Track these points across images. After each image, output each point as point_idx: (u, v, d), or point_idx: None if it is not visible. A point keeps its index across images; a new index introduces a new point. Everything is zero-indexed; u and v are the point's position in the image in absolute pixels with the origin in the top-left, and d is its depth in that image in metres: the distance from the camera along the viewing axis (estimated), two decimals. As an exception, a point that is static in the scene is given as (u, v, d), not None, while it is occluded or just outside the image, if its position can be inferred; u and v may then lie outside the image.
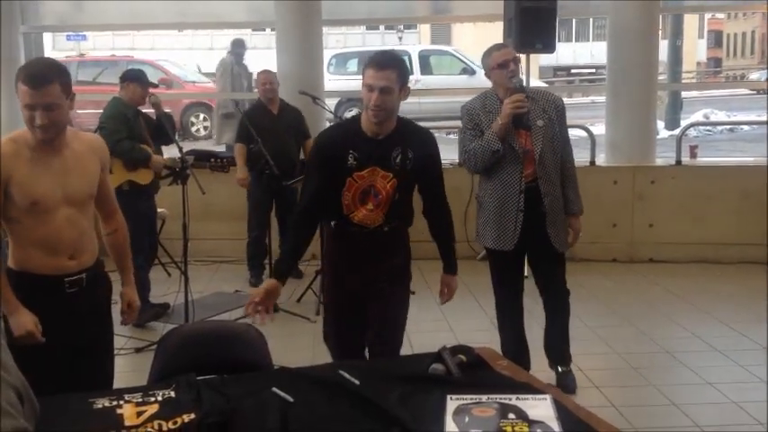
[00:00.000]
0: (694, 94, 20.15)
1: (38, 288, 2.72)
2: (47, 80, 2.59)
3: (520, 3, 6.48)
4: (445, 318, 5.52)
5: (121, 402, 2.12)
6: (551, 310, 4.24)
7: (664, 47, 13.61)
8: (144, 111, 5.63)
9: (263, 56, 17.74)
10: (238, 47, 10.25)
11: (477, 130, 3.95)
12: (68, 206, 2.74)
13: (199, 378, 2.26)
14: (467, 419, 1.96)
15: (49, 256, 2.73)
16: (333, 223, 3.30)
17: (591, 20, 28.64)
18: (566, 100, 16.71)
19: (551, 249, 4.04)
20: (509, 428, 1.90)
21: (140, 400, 2.12)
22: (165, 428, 1.95)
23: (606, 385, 4.28)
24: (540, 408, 2.02)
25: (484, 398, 2.06)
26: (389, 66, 3.08)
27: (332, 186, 3.22)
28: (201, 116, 14.45)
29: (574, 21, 30.54)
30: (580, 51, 32.05)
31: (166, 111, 5.76)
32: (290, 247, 3.26)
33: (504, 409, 2.00)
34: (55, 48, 20.21)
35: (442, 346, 2.36)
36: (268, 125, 6.13)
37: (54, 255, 2.73)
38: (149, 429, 1.95)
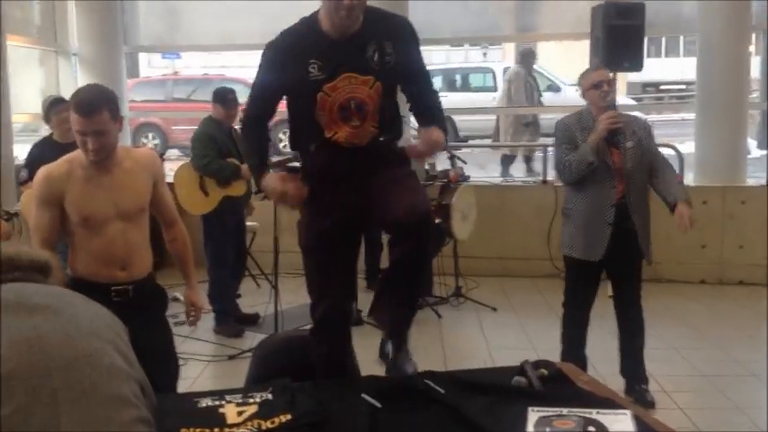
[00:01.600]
0: (790, 111, 19.49)
1: (87, 293, 2.90)
2: (96, 108, 2.82)
3: (607, 21, 6.49)
4: (527, 335, 5.56)
5: (223, 402, 2.28)
6: (627, 329, 4.33)
7: (756, 64, 13.27)
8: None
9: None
10: (529, 56, 10.41)
11: (573, 144, 4.14)
12: (120, 220, 2.96)
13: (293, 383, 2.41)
14: (547, 430, 2.04)
15: (101, 266, 2.95)
16: (312, 147, 2.72)
17: (681, 36, 28.04)
18: (655, 117, 16.33)
19: (633, 266, 4.22)
20: (589, 440, 1.98)
21: (240, 400, 2.28)
22: (263, 427, 2.10)
23: (690, 407, 4.25)
24: (621, 423, 2.08)
25: (565, 411, 2.14)
26: None
27: (299, 106, 2.68)
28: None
29: (663, 37, 29.93)
30: (669, 67, 31.41)
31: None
32: (252, 147, 2.86)
33: (585, 423, 2.07)
34: (150, 65, 21.07)
35: (525, 359, 2.45)
36: None
37: (106, 265, 2.95)
38: (250, 427, 2.10)
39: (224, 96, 5.68)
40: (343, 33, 2.61)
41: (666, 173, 4.20)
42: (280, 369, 2.57)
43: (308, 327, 2.88)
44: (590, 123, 4.13)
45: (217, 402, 2.28)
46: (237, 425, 2.12)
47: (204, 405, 2.27)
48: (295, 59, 2.62)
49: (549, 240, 7.03)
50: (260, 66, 2.74)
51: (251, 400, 2.28)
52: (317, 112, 2.63)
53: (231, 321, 5.73)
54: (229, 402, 2.27)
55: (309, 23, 2.68)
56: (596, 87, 4.12)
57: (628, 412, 2.14)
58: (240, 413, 2.19)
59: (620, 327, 4.34)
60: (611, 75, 4.26)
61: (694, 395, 4.52)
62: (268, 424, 2.12)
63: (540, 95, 10.36)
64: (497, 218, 7.11)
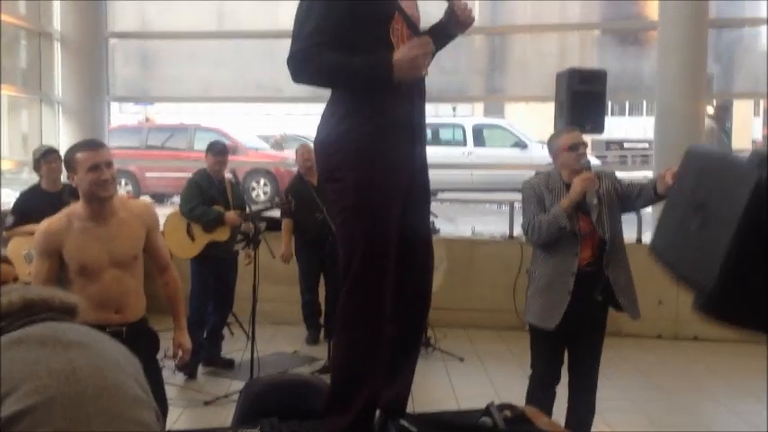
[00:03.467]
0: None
1: None
2: (102, 143, 3.26)
3: (571, 87, 6.87)
4: (493, 385, 5.79)
5: (216, 439, 2.49)
6: (576, 412, 4.06)
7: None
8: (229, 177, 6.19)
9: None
10: (724, 113, 10.40)
11: (542, 205, 3.97)
12: (114, 268, 3.21)
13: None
14: (511, 465, 2.28)
15: (97, 310, 3.12)
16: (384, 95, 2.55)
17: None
18: (619, 174, 16.46)
19: (592, 342, 4.02)
20: (548, 474, 2.22)
21: (232, 437, 2.49)
22: (255, 461, 2.31)
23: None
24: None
25: (526, 448, 2.38)
26: None
27: (371, 24, 2.57)
28: (262, 181, 14.96)
29: (627, 97, 30.74)
30: (632, 125, 32.41)
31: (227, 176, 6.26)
32: (344, 58, 2.53)
33: (544, 458, 2.32)
34: (121, 111, 21.24)
35: (491, 401, 2.69)
36: (308, 196, 6.40)
37: (101, 309, 3.16)
38: (243, 461, 2.31)
39: (213, 145, 6.15)
40: None
41: (637, 184, 4.04)
42: (267, 411, 2.76)
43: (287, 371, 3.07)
44: (557, 185, 3.98)
45: (210, 438, 2.49)
46: (231, 458, 2.33)
47: (199, 441, 2.48)
48: None
49: (515, 293, 7.30)
50: None
51: (242, 437, 2.49)
52: (392, 27, 2.57)
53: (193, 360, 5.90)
54: (222, 439, 2.48)
55: None
56: (572, 149, 3.97)
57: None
58: (232, 448, 2.40)
59: (569, 407, 4.06)
60: (583, 136, 4.14)
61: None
62: (259, 458, 2.33)
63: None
64: (466, 271, 7.38)
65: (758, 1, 7.96)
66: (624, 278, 3.94)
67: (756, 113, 39.63)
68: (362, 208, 2.58)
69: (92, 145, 3.21)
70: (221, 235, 5.93)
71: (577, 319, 3.87)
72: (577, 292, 3.85)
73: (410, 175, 2.65)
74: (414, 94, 2.65)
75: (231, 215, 5.90)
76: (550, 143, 4.16)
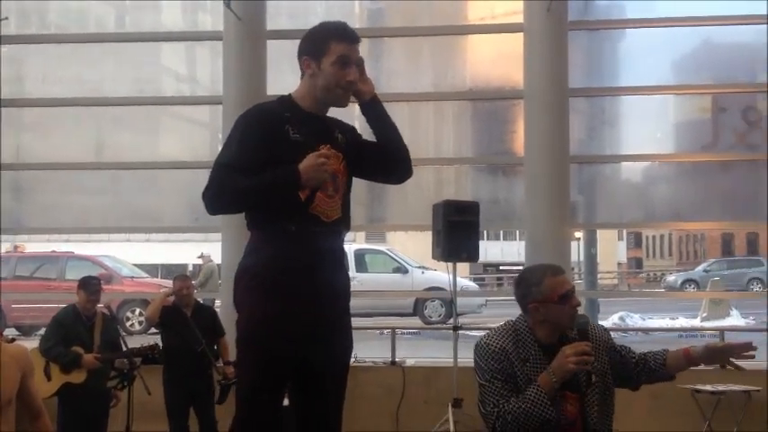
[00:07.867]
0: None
1: None
2: None
3: (446, 217, 7.16)
4: None
5: None
6: None
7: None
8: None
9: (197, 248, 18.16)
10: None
11: (512, 383, 2.80)
12: None
13: None
14: None
15: None
16: (293, 226, 2.72)
17: (517, 222, 30.18)
18: (496, 299, 16.68)
19: None
20: None
21: None
22: None
23: None
24: None
25: None
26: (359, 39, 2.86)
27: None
28: (138, 311, 14.54)
29: (501, 223, 32.05)
30: (507, 249, 33.85)
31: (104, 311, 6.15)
32: (250, 181, 2.69)
33: None
34: (-12, 241, 20.40)
35: None
36: (182, 326, 6.24)
37: None
38: None
39: (88, 283, 5.95)
40: (319, 111, 2.86)
41: (641, 354, 3.04)
42: None
43: None
44: (533, 352, 2.84)
45: None
46: None
47: None
48: (273, 122, 2.75)
49: (398, 421, 7.28)
50: (235, 132, 2.76)
51: None
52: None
53: None
54: None
55: (284, 99, 2.88)
56: (564, 300, 2.84)
57: None
58: None
59: None
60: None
61: None
62: None
63: None
64: (348, 398, 7.29)
65: (617, 139, 8.63)
66: None
67: (620, 238, 42.13)
68: (250, 343, 2.72)
69: None
70: (77, 377, 5.75)
71: None
72: None
73: (313, 309, 2.73)
74: (318, 233, 2.77)
75: (88, 358, 5.73)
76: (524, 286, 2.96)
